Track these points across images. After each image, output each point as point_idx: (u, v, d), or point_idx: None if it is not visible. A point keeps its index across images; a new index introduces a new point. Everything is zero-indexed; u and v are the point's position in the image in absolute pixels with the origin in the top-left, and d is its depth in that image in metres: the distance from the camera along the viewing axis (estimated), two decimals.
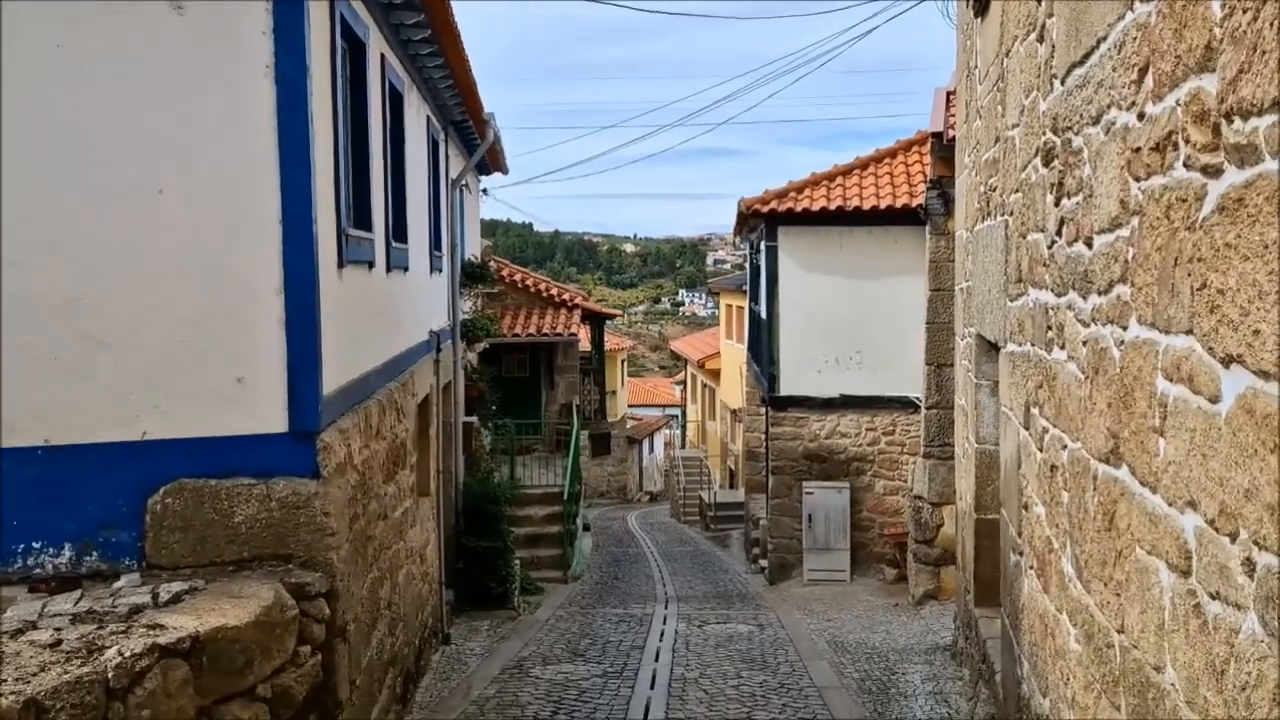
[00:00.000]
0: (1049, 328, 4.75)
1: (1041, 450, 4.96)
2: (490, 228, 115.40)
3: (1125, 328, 3.30)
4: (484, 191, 19.74)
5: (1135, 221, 3.16)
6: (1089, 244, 3.85)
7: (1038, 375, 5.06)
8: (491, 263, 20.07)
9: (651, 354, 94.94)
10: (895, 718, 8.30)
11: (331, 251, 5.81)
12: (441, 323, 11.86)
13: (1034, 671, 5.26)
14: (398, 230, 8.71)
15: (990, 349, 8.19)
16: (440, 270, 11.73)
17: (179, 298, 5.06)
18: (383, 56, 7.70)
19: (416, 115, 9.63)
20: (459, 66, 9.92)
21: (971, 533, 8.56)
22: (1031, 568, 5.32)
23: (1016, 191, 5.87)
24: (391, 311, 7.90)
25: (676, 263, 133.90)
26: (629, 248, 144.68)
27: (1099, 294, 3.67)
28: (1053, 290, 4.63)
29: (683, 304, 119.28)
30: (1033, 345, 5.24)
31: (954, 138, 11.60)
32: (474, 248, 17.09)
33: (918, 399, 14.99)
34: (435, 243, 11.59)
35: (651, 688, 9.19)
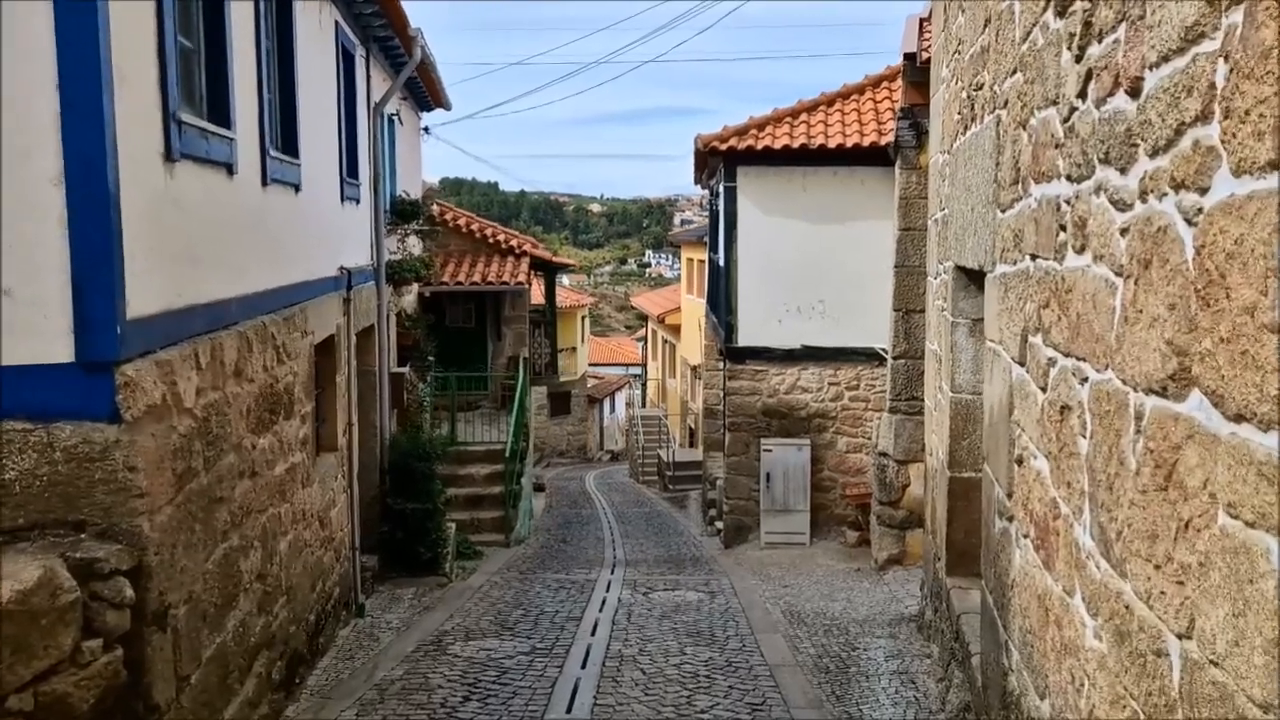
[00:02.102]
0: (1061, 228, 3.64)
1: (1046, 389, 3.87)
2: (455, 186, 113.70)
3: (1207, 188, 2.19)
4: (425, 130, 18.36)
5: (1238, 15, 2.03)
6: (1135, 90, 2.73)
7: (1042, 293, 3.96)
8: (434, 206, 18.73)
9: (618, 314, 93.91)
10: (856, 702, 7.29)
11: (152, 140, 4.57)
12: (359, 260, 10.60)
13: (1027, 665, 4.22)
14: (285, 141, 7.45)
15: (970, 280, 7.11)
16: (356, 201, 10.45)
17: None
18: None
19: (312, 15, 8.31)
20: None
21: (944, 493, 7.54)
22: (1026, 536, 4.27)
23: (1014, 73, 4.75)
24: (269, 233, 6.66)
25: (643, 223, 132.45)
26: (595, 208, 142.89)
27: (1155, 154, 2.56)
28: (1069, 177, 3.52)
29: (649, 265, 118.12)
30: (1034, 258, 4.14)
31: (929, 60, 10.48)
32: (413, 187, 15.77)
33: (884, 350, 13.95)
34: (350, 169, 10.29)
35: (583, 667, 8.14)
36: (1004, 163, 4.97)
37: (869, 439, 14.49)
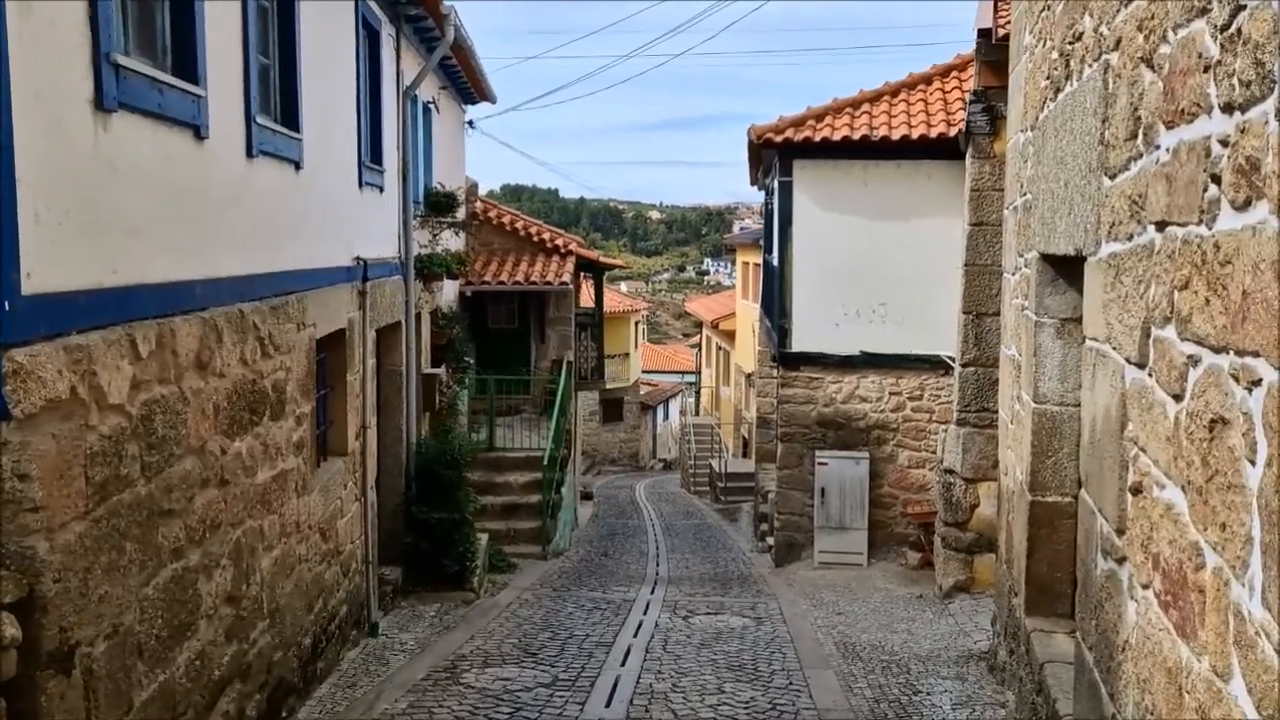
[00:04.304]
0: (1213, 179, 2.68)
1: (1183, 396, 2.91)
2: (515, 192, 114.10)
3: None
4: (469, 124, 17.69)
5: None
6: None
7: (1177, 271, 3.00)
8: (476, 202, 18.06)
9: (675, 321, 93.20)
10: None
11: (73, 84, 3.81)
12: (382, 252, 9.87)
13: None
14: (284, 113, 6.71)
15: (1059, 273, 6.09)
16: (379, 189, 9.72)
17: None
18: None
19: None
20: None
21: (1024, 519, 6.51)
22: (1147, 587, 3.29)
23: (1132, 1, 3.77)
24: (254, 210, 5.90)
25: (702, 230, 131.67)
26: (655, 215, 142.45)
27: None
28: (1228, 106, 2.56)
29: (707, 272, 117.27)
30: (1163, 226, 3.18)
31: (1006, 35, 9.46)
32: (452, 180, 15.07)
33: (950, 358, 12.88)
34: (373, 155, 9.58)
35: (607, 705, 7.26)
36: (1116, 115, 3.99)
37: (933, 453, 13.40)
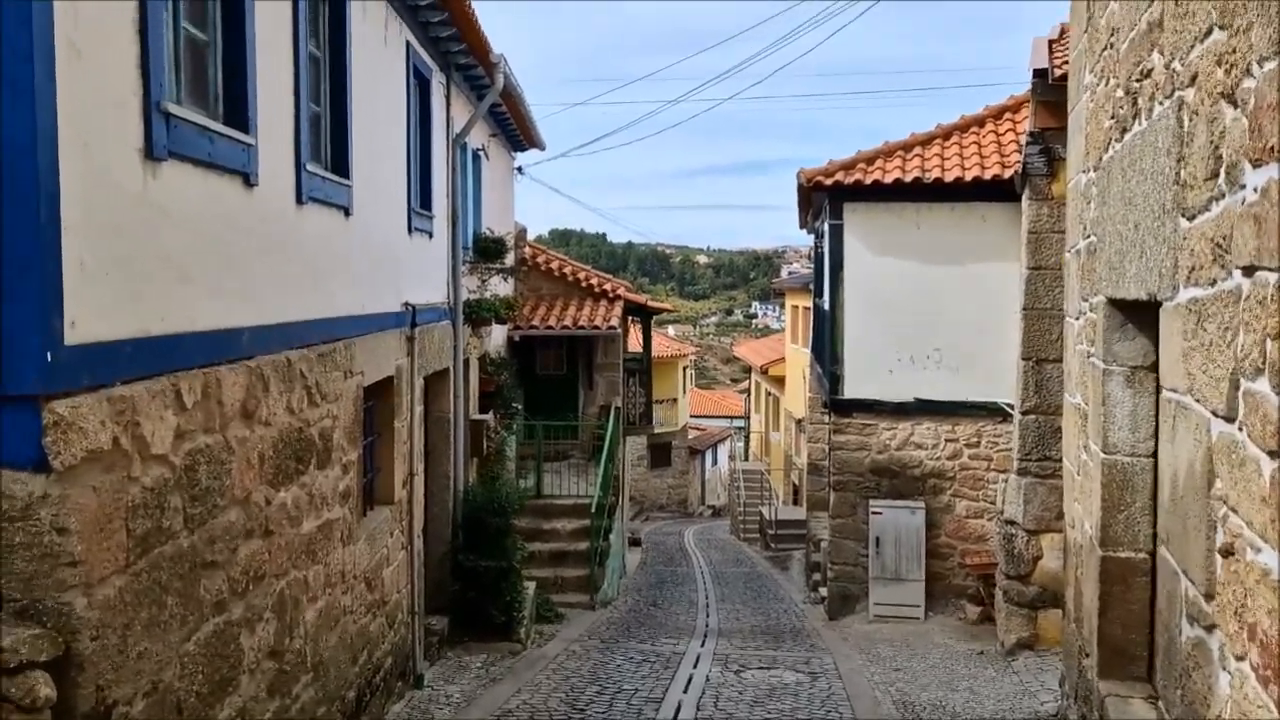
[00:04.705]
0: None
1: None
2: (564, 236, 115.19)
3: None
4: (518, 170, 17.83)
5: None
6: None
7: (1275, 316, 2.79)
8: (524, 247, 18.13)
9: (723, 366, 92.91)
10: None
11: (123, 131, 3.79)
12: (431, 298, 9.86)
13: None
14: (335, 159, 6.72)
15: (1129, 318, 5.84)
16: (428, 234, 9.74)
17: None
18: None
19: (375, 26, 7.66)
20: None
21: (1095, 576, 6.19)
22: (1242, 659, 3.04)
23: (1208, 34, 3.60)
24: (302, 256, 5.89)
25: (750, 274, 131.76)
26: (702, 259, 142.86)
27: None
28: None
29: (755, 316, 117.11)
30: (1251, 271, 2.97)
31: (1063, 75, 9.29)
32: (502, 226, 15.14)
33: (1009, 405, 12.54)
34: (422, 200, 9.62)
35: None
36: (1194, 154, 3.79)
37: (992, 503, 13.02)
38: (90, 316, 3.52)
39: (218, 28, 4.89)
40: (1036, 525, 10.20)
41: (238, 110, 4.95)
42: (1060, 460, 9.12)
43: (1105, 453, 6.06)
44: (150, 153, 3.97)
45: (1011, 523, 10.50)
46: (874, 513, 13.36)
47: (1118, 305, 5.83)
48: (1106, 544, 6.05)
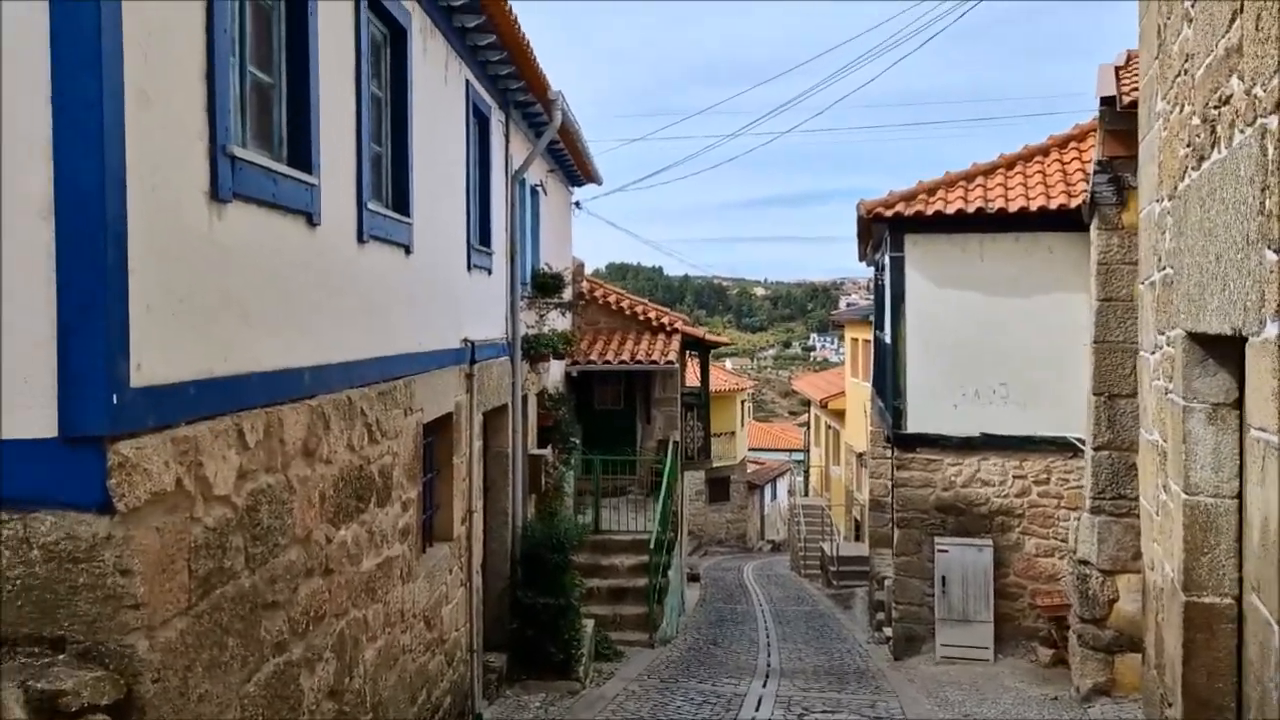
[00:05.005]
0: None
1: None
2: (621, 270, 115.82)
3: None
4: (576, 205, 17.94)
5: None
6: None
7: None
8: (582, 282, 18.19)
9: (781, 399, 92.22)
10: None
11: (190, 174, 3.84)
12: (489, 334, 9.90)
13: None
14: (396, 198, 6.79)
15: (1210, 353, 5.61)
16: (487, 271, 9.79)
17: None
18: None
19: (436, 67, 7.75)
20: (495, 12, 8.01)
21: (1177, 622, 5.92)
22: None
23: None
24: (363, 295, 5.92)
25: (808, 306, 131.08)
26: (759, 291, 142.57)
27: None
28: None
29: (814, 348, 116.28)
30: None
31: (1132, 102, 9.07)
32: (559, 261, 15.21)
33: (1080, 440, 12.18)
34: (482, 237, 9.68)
35: None
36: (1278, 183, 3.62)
37: (1063, 541, 12.63)
38: (155, 358, 3.54)
39: (282, 71, 4.96)
40: (1112, 566, 9.84)
41: (301, 151, 5.01)
42: (1136, 498, 8.81)
43: (1187, 493, 5.81)
44: (215, 195, 4.02)
45: (1085, 563, 10.14)
46: (940, 550, 13.03)
47: (1197, 340, 5.61)
48: (1190, 588, 5.78)
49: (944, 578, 12.94)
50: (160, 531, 3.51)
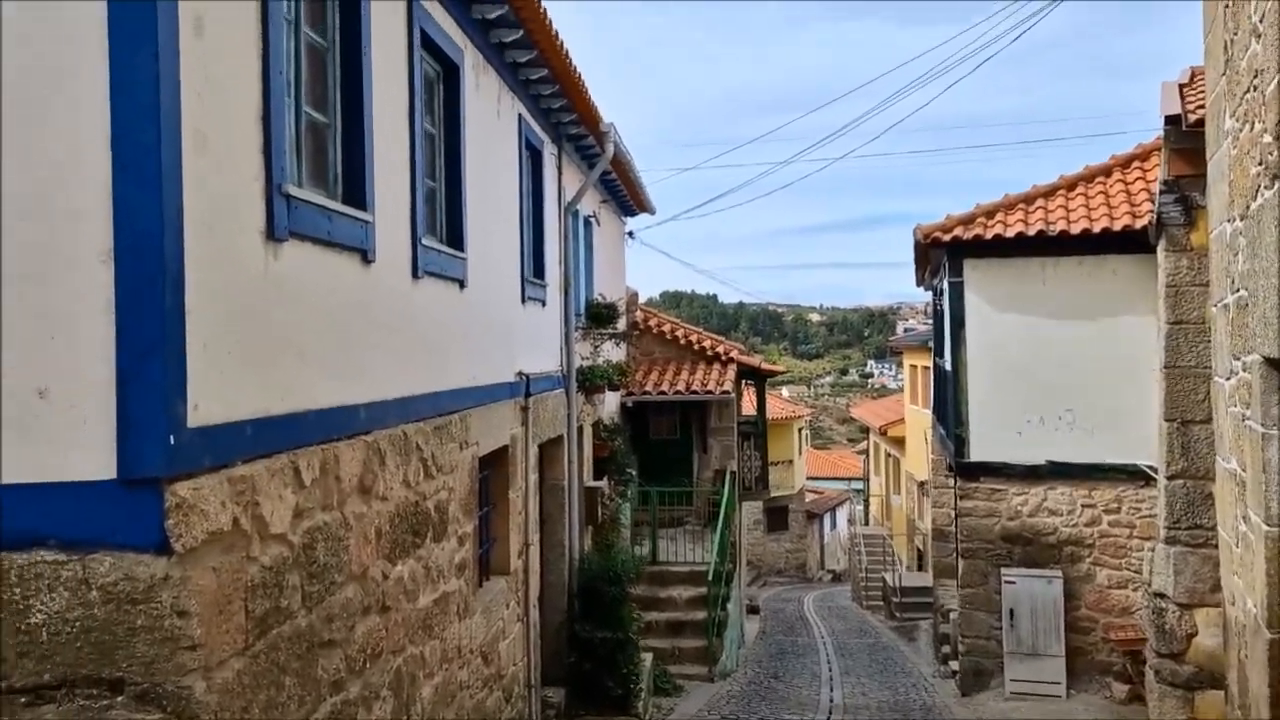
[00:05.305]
0: None
1: None
2: (675, 299, 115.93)
3: None
4: (629, 235, 17.99)
5: None
6: None
7: None
8: (636, 311, 18.19)
9: (839, 426, 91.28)
10: None
11: (247, 214, 3.88)
12: (544, 366, 9.90)
13: None
14: (450, 232, 6.83)
15: None
16: (541, 303, 9.82)
17: None
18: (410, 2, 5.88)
19: (489, 102, 7.81)
20: (547, 46, 8.07)
21: (1262, 660, 5.64)
22: None
23: None
24: (418, 330, 5.94)
25: (864, 332, 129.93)
26: (815, 317, 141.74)
27: None
28: None
29: (871, 375, 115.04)
30: None
31: (1199, 120, 8.82)
32: (613, 291, 15.23)
33: (1151, 468, 11.81)
34: (535, 269, 9.71)
35: None
36: None
37: (1136, 572, 12.21)
38: (212, 398, 3.56)
39: (337, 111, 5.02)
40: (1189, 599, 9.46)
41: (356, 189, 5.05)
42: (1213, 528, 8.48)
43: (1268, 524, 5.55)
44: (271, 234, 4.05)
45: (1161, 595, 9.77)
46: (1007, 582, 12.68)
47: (1276, 365, 5.38)
48: (1274, 625, 5.51)
49: (1012, 610, 12.59)
50: (217, 572, 3.51)
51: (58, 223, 3.25)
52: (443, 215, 6.80)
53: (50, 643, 3.25)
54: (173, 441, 3.28)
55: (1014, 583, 12.64)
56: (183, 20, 3.41)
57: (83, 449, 3.24)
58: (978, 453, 13.28)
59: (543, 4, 7.38)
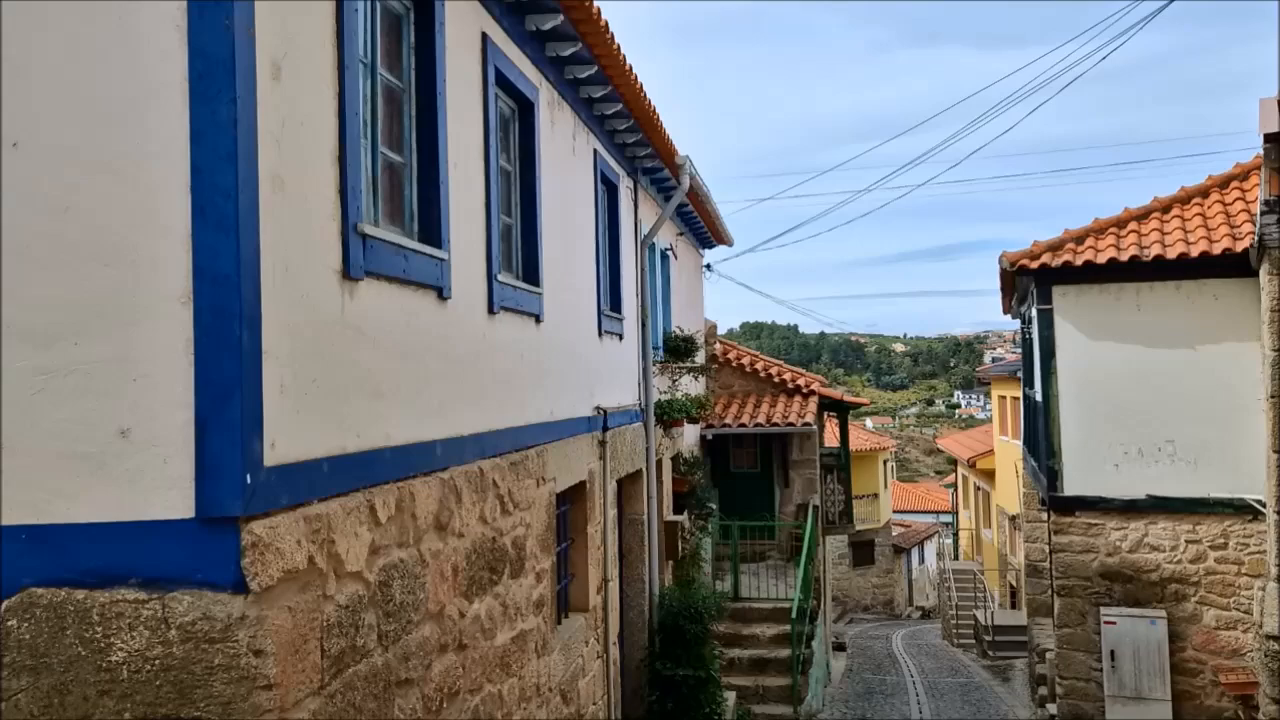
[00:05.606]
0: None
1: None
2: (755, 329, 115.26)
3: None
4: (707, 267, 17.94)
5: None
6: None
7: None
8: (715, 344, 18.09)
9: (925, 458, 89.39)
10: None
11: (322, 255, 3.92)
12: (622, 400, 9.87)
13: None
14: (526, 267, 6.86)
15: None
16: (618, 336, 9.80)
17: (26, 299, 3.32)
18: (485, 35, 5.95)
19: (564, 138, 7.86)
20: (621, 82, 8.10)
21: None
22: None
23: None
24: (494, 365, 5.95)
25: (950, 362, 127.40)
26: (899, 347, 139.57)
27: None
28: None
29: (958, 405, 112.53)
30: None
31: None
32: (691, 324, 15.17)
33: (1259, 502, 11.23)
34: (612, 303, 9.71)
35: None
36: None
37: (1246, 612, 11.58)
38: (289, 437, 3.58)
39: (413, 150, 5.08)
40: None
41: (432, 227, 5.09)
42: None
43: None
44: (347, 273, 4.08)
45: (1273, 638, 9.24)
46: (1106, 622, 12.13)
47: None
48: None
49: (1112, 651, 12.03)
50: (292, 611, 3.51)
51: (139, 266, 3.31)
52: (518, 251, 6.83)
53: (130, 681, 3.28)
54: (249, 481, 3.30)
55: (1114, 623, 12.09)
56: (260, 67, 3.47)
57: (163, 488, 3.28)
58: (1072, 486, 12.78)
59: (616, 40, 7.41)
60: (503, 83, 6.32)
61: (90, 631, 3.29)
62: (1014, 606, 25.84)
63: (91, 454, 3.30)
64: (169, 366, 3.30)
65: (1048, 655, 14.68)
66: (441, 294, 5.12)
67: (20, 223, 3.33)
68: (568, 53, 7.23)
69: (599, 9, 6.83)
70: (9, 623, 3.30)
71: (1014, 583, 26.15)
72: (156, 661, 3.29)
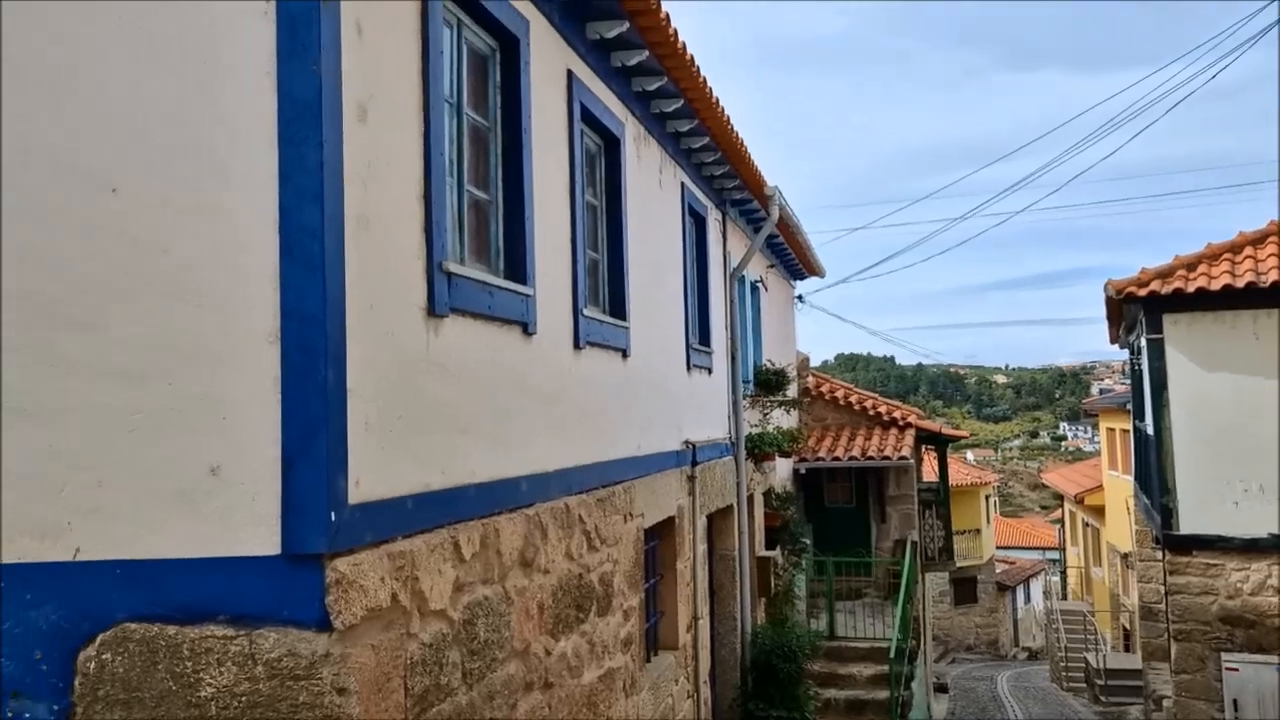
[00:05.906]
0: None
1: None
2: (850, 361, 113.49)
3: None
4: (798, 299, 17.75)
5: None
6: None
7: None
8: (808, 377, 17.83)
9: (1030, 492, 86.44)
10: None
11: (408, 292, 3.96)
12: (711, 434, 9.76)
13: None
14: (612, 301, 6.85)
15: None
16: (707, 370, 9.71)
17: (122, 338, 3.41)
18: (570, 73, 5.99)
19: (650, 171, 7.86)
20: (707, 115, 8.08)
21: None
22: None
23: None
24: (579, 400, 5.93)
25: (1055, 394, 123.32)
26: (1000, 379, 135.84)
27: None
28: None
29: (1064, 438, 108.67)
30: None
31: None
32: (783, 357, 14.99)
33: None
34: (701, 337, 9.64)
35: None
36: None
37: None
38: (373, 475, 3.60)
39: (499, 188, 5.12)
40: None
41: (517, 263, 5.12)
42: None
43: None
44: (432, 310, 4.11)
45: None
46: (1228, 669, 11.44)
47: None
48: None
49: (1235, 701, 11.33)
50: (376, 649, 3.50)
51: (229, 306, 3.38)
52: (605, 285, 6.83)
53: (219, 716, 3.31)
54: (334, 518, 3.32)
55: (1237, 670, 11.39)
56: (346, 109, 3.53)
57: (250, 525, 3.32)
58: (1188, 524, 12.14)
59: (702, 73, 7.40)
60: (588, 119, 6.35)
61: (181, 666, 3.34)
62: (1127, 650, 24.66)
63: (183, 490, 3.36)
64: (257, 404, 3.35)
65: (1165, 703, 13.92)
66: (526, 329, 5.12)
67: (118, 265, 3.44)
68: (653, 87, 7.25)
69: (684, 44, 6.83)
70: (103, 656, 3.37)
71: (1127, 625, 24.97)
72: (244, 698, 3.31)
